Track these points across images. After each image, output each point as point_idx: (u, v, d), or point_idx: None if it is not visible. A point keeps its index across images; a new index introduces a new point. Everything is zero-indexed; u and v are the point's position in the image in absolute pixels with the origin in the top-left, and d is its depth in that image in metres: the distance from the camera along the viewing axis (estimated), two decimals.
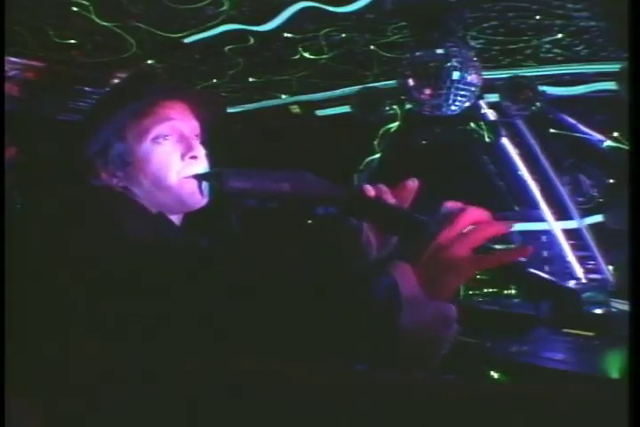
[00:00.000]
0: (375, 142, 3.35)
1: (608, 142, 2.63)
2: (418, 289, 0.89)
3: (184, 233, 1.27)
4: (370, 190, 1.09)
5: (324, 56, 2.45)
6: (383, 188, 1.11)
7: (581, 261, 2.89)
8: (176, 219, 1.29)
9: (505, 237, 3.14)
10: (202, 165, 1.26)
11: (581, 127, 2.70)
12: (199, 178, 1.25)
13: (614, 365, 2.03)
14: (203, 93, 1.65)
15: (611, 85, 2.45)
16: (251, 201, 1.44)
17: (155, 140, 1.23)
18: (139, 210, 1.20)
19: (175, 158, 1.24)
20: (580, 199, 2.85)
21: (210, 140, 1.34)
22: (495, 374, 2.15)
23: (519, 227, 3.06)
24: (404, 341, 0.86)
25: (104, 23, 2.03)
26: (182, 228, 1.29)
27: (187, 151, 1.25)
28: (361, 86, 2.96)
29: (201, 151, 1.26)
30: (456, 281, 0.94)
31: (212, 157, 1.31)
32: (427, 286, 0.90)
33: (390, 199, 1.10)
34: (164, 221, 1.21)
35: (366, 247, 1.13)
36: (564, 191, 2.90)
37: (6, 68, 2.41)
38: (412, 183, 1.14)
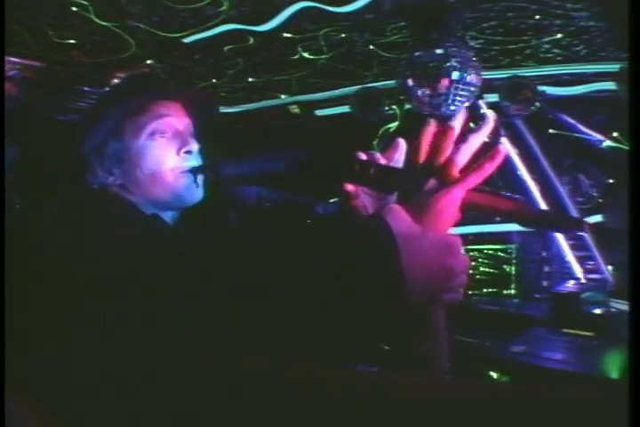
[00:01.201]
0: (375, 142, 3.36)
1: (607, 142, 2.63)
2: (411, 224, 0.84)
3: (179, 233, 1.27)
4: (362, 155, 1.10)
5: (323, 56, 2.45)
6: (374, 152, 1.11)
7: (581, 261, 2.89)
8: (172, 217, 1.30)
9: (504, 238, 3.15)
10: (196, 160, 1.29)
11: (581, 127, 2.71)
12: (194, 171, 1.28)
13: (613, 365, 2.03)
14: (196, 92, 1.66)
15: (610, 85, 2.45)
16: (250, 199, 1.44)
17: (150, 136, 1.26)
18: (133, 212, 1.22)
19: (170, 153, 1.26)
20: (580, 199, 2.86)
21: (208, 140, 1.36)
22: (494, 374, 2.15)
23: (518, 227, 3.06)
24: (412, 280, 0.79)
25: (103, 23, 2.04)
26: (178, 227, 1.30)
27: (182, 146, 1.27)
28: (360, 86, 2.96)
29: (195, 146, 1.28)
30: (448, 206, 0.91)
31: (210, 157, 1.33)
32: (419, 219, 0.86)
33: (382, 161, 1.09)
34: (159, 221, 1.22)
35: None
36: (563, 191, 2.90)
37: (5, 68, 2.41)
38: (400, 142, 1.14)
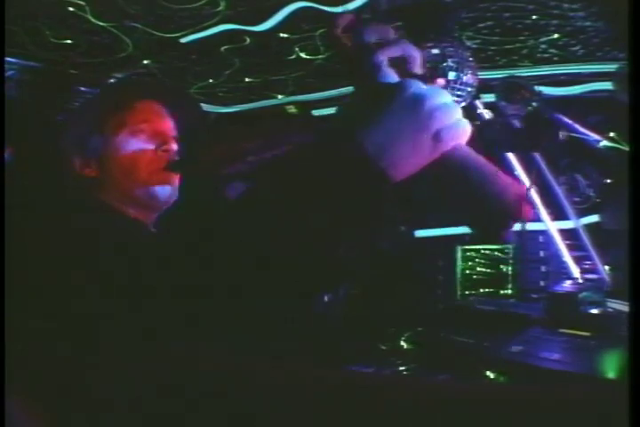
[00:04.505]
0: None
1: (604, 142, 2.63)
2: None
3: (159, 235, 1.28)
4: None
5: (320, 56, 2.45)
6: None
7: (578, 261, 2.89)
8: (152, 220, 1.31)
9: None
10: (173, 158, 1.31)
11: (577, 127, 2.71)
12: (170, 168, 1.30)
13: (611, 365, 2.03)
14: (179, 93, 1.69)
15: (607, 85, 2.45)
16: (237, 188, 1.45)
17: (131, 133, 1.29)
18: (115, 215, 1.24)
19: (148, 150, 1.29)
20: (577, 199, 2.86)
21: (192, 141, 1.37)
22: (491, 374, 2.15)
23: (516, 227, 3.06)
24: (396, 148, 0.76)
25: (100, 23, 2.03)
26: (157, 229, 1.31)
27: (160, 145, 1.29)
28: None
29: (174, 146, 1.31)
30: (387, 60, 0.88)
31: (189, 157, 1.35)
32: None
33: None
34: (139, 224, 1.24)
35: None
36: (560, 191, 2.90)
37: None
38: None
